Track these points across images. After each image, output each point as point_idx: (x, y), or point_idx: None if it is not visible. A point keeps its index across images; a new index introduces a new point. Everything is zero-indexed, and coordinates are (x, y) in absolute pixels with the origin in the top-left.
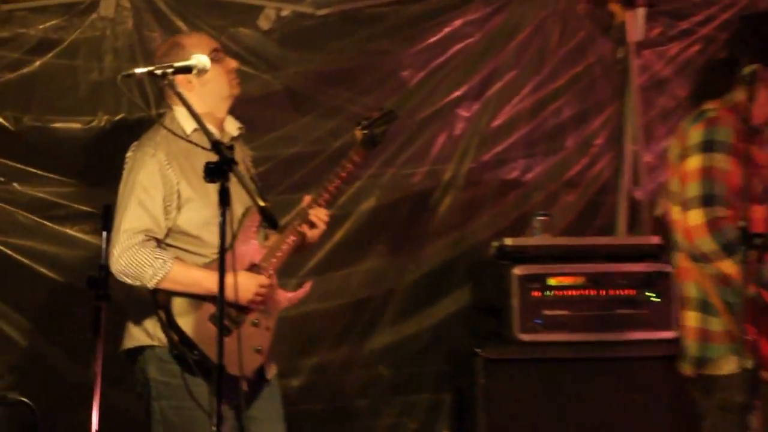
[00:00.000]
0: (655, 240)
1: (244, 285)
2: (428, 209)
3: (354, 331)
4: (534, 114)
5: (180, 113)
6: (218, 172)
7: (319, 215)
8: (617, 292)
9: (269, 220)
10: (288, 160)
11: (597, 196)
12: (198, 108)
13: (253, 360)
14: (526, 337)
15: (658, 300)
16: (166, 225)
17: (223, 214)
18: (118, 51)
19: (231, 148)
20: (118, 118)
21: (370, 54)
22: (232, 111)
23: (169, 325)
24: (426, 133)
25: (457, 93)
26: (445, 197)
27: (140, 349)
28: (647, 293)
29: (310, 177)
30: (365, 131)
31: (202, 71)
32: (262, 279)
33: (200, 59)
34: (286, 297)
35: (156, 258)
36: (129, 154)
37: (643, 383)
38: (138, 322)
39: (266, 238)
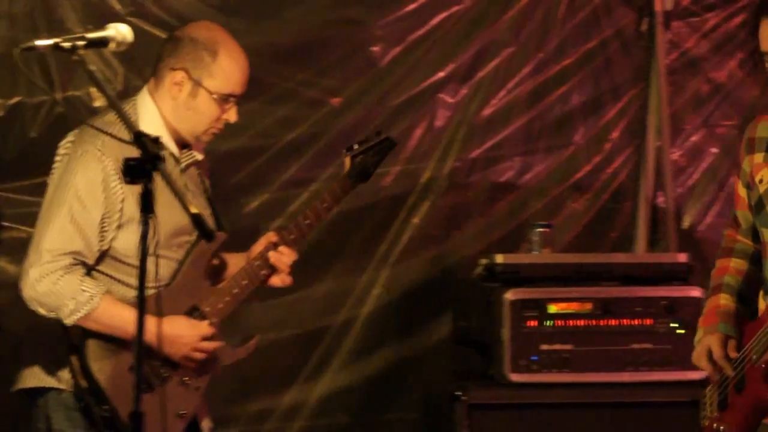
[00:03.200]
0: (682, 258)
1: (181, 336)
2: (401, 218)
3: (305, 370)
4: (535, 101)
5: (145, 110)
6: (140, 170)
7: (283, 258)
8: (633, 322)
9: (203, 231)
10: (228, 156)
11: (611, 203)
12: (167, 115)
13: (174, 426)
14: (519, 377)
15: (684, 332)
16: (100, 248)
17: (144, 222)
18: (14, 18)
19: (156, 141)
20: (13, 102)
21: (333, 24)
22: None
23: (81, 370)
24: (401, 124)
25: (440, 74)
26: (422, 203)
27: (42, 391)
28: (671, 324)
29: (255, 177)
30: (356, 159)
31: (121, 44)
32: (205, 329)
33: (119, 29)
34: (228, 353)
35: (82, 290)
36: (66, 145)
37: None
38: (41, 358)
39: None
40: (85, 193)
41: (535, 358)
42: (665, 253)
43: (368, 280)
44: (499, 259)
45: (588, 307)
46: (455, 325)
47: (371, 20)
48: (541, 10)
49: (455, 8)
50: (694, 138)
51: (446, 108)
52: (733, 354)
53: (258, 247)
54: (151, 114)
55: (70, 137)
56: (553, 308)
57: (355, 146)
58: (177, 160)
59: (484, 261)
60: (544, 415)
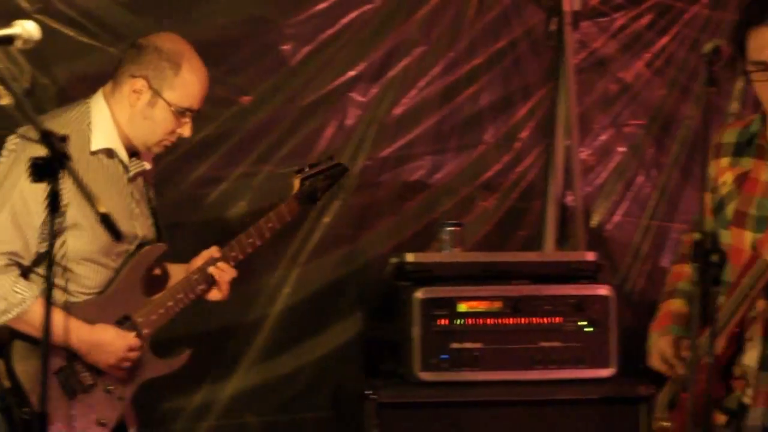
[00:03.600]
0: (591, 257)
1: (110, 344)
2: (312, 217)
3: (215, 370)
4: (445, 100)
5: (99, 114)
6: (47, 169)
7: (223, 275)
8: (542, 321)
9: (111, 231)
10: None
11: (520, 202)
12: (121, 121)
13: None
14: (428, 376)
15: (592, 330)
16: (38, 250)
17: (51, 222)
18: None
19: (64, 139)
20: None
21: (243, 23)
22: None
23: (5, 370)
24: (311, 123)
25: (351, 73)
26: (333, 202)
27: None
28: (579, 322)
29: (165, 175)
30: (306, 181)
31: (28, 42)
32: (132, 340)
33: (26, 26)
34: (158, 365)
35: (15, 292)
36: (15, 140)
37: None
38: None
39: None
40: (29, 193)
41: (445, 356)
42: (574, 251)
43: (279, 279)
44: (410, 258)
45: (497, 305)
46: (366, 324)
47: (281, 19)
48: (451, 9)
49: (366, 7)
50: (602, 137)
51: (357, 107)
52: (686, 353)
53: (198, 261)
54: (104, 119)
55: (22, 131)
56: (463, 307)
57: (306, 169)
58: (126, 168)
59: (394, 260)
60: (454, 413)
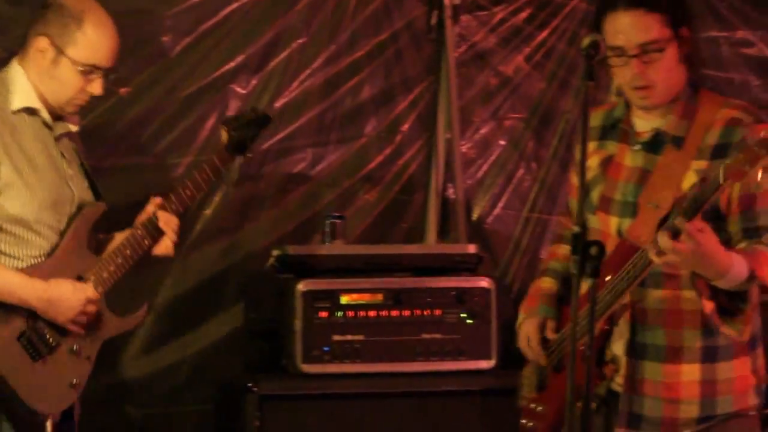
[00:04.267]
0: (472, 249)
1: (67, 299)
2: (193, 209)
3: (96, 361)
4: (326, 93)
5: (15, 76)
6: None
7: (170, 223)
8: (423, 313)
9: None
10: None
11: (402, 195)
12: (35, 82)
13: (66, 397)
14: (310, 368)
15: (473, 322)
16: None
17: None
18: None
19: None
20: None
21: (122, 14)
22: None
23: None
24: (192, 115)
25: (231, 64)
26: (213, 194)
27: None
28: (460, 314)
29: None
30: (233, 132)
31: None
32: (90, 291)
33: None
34: (116, 322)
35: None
36: None
37: (454, 424)
38: None
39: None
40: None
41: (326, 348)
42: (455, 244)
43: (160, 271)
44: (292, 250)
45: (379, 297)
46: (247, 317)
47: (161, 10)
48: (332, 2)
49: None
50: (483, 130)
51: (238, 99)
52: (551, 336)
53: (141, 217)
54: (21, 80)
55: None
56: (344, 299)
57: (232, 121)
58: (50, 128)
59: (276, 252)
60: (335, 405)
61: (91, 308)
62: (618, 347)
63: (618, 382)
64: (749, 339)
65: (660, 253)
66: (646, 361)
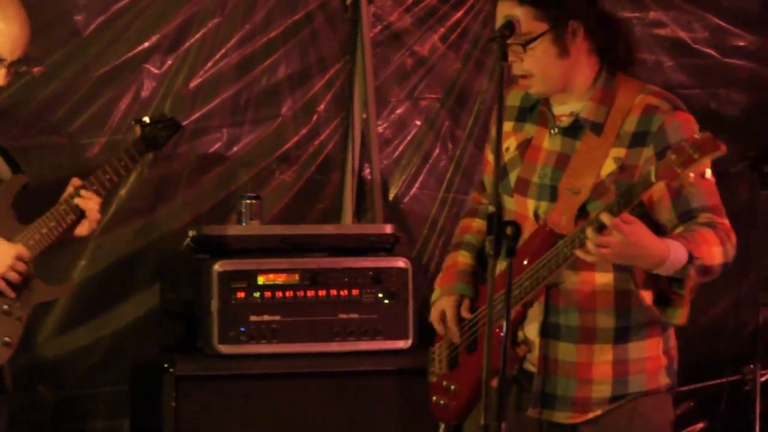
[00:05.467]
0: (388, 229)
1: None
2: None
3: None
4: (242, 73)
5: None
6: None
7: (88, 202)
8: (340, 293)
9: None
10: None
11: (318, 175)
12: None
13: (1, 354)
14: (227, 349)
15: (390, 302)
16: None
17: None
18: None
19: None
20: None
21: None
22: None
23: None
24: (106, 94)
25: (146, 44)
26: (129, 175)
27: None
28: (378, 294)
29: None
30: (145, 128)
31: None
32: (21, 249)
33: None
34: (45, 289)
35: None
36: None
37: (371, 403)
38: None
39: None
40: None
41: (243, 329)
42: (371, 224)
43: (74, 252)
44: (208, 230)
45: (296, 278)
46: (164, 297)
47: None
48: None
49: None
50: (399, 111)
51: (152, 78)
52: (466, 315)
53: (64, 195)
54: None
55: None
56: (261, 279)
57: (145, 119)
58: None
59: (192, 232)
60: (252, 386)
61: (20, 266)
62: (532, 329)
63: (532, 363)
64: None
65: (588, 251)
66: (560, 341)
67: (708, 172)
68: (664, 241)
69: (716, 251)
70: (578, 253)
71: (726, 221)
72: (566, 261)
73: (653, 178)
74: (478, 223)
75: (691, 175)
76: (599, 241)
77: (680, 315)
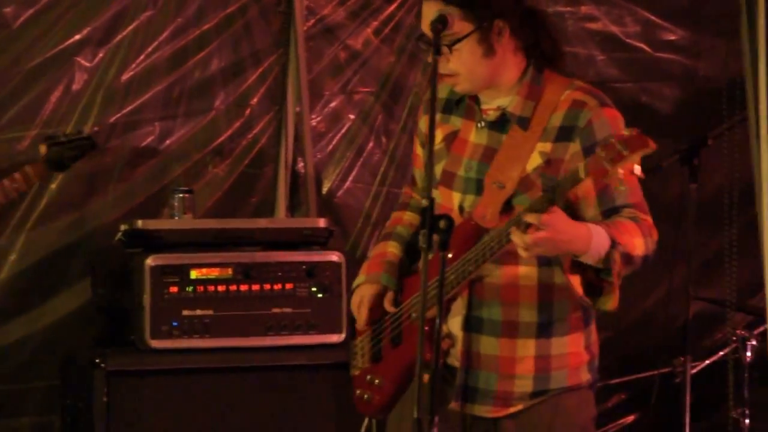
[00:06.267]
0: (322, 223)
1: None
2: (38, 183)
3: None
4: (174, 66)
5: None
6: None
7: None
8: (274, 287)
9: None
10: None
11: (251, 169)
12: None
13: None
14: (159, 343)
15: (323, 296)
16: None
17: None
18: None
19: None
20: None
21: None
22: None
23: None
24: (36, 87)
25: (77, 37)
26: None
27: None
28: (311, 288)
29: None
30: (53, 150)
31: None
32: None
33: None
34: None
35: None
36: None
37: (305, 397)
38: None
39: None
40: None
41: (176, 323)
42: (305, 218)
43: (4, 246)
44: (140, 224)
45: (229, 272)
46: (95, 292)
47: None
48: None
49: None
50: (333, 104)
51: (83, 71)
52: (389, 308)
53: None
54: None
55: None
56: (194, 274)
57: (56, 138)
58: None
59: (124, 226)
60: (185, 380)
61: None
62: (455, 323)
63: (455, 357)
64: (582, 314)
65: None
66: (482, 335)
67: (638, 169)
68: (585, 225)
69: (638, 242)
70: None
71: (649, 218)
72: (493, 255)
73: (582, 175)
74: (409, 216)
75: (621, 171)
76: (528, 241)
77: (611, 301)
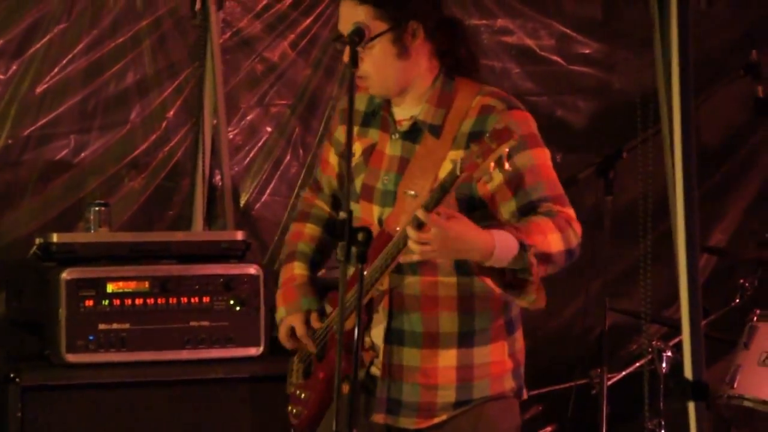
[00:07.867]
0: (240, 236)
1: None
2: None
3: None
4: (89, 79)
5: None
6: None
7: None
8: (191, 300)
9: None
10: None
11: (168, 182)
12: None
13: None
14: (75, 357)
15: (241, 309)
16: None
17: None
18: None
19: None
20: None
21: None
22: None
23: None
24: None
25: None
26: None
27: None
28: (229, 301)
29: None
30: None
31: None
32: None
33: None
34: None
35: None
36: None
37: (223, 411)
38: None
39: None
40: None
41: (92, 338)
42: (222, 231)
43: None
44: (55, 238)
45: (145, 285)
46: (10, 306)
47: None
48: None
49: None
50: (249, 117)
51: None
52: (316, 325)
53: None
54: None
55: None
56: (110, 287)
57: None
58: None
59: (39, 240)
60: (101, 395)
61: None
62: (377, 334)
63: (378, 368)
64: (505, 323)
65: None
66: (404, 347)
67: (507, 165)
68: (489, 232)
69: (553, 238)
70: (402, 256)
71: (568, 210)
72: (394, 262)
73: (458, 171)
74: (310, 229)
75: (492, 164)
76: (418, 238)
77: (537, 299)
